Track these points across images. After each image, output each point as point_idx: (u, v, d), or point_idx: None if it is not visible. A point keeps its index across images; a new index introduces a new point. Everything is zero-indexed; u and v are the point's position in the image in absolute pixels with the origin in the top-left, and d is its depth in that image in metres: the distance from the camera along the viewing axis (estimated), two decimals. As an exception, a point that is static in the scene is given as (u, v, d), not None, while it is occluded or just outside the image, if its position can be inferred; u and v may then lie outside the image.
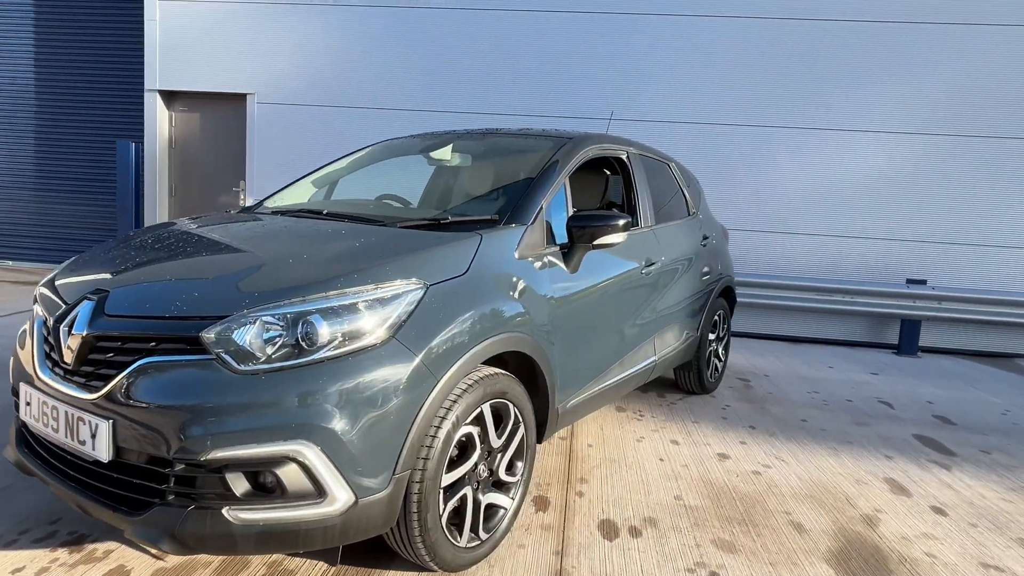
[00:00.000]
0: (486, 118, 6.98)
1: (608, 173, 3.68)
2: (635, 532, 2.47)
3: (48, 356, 1.94)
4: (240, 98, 7.31)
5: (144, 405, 1.67)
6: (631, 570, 2.21)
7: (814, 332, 6.76)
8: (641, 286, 3.19)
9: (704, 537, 2.46)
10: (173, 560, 2.12)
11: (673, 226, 3.73)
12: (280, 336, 1.72)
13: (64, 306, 1.95)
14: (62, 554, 2.10)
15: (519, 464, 2.31)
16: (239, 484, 1.66)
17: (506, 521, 2.28)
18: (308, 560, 2.16)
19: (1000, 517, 2.81)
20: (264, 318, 1.73)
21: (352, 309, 1.79)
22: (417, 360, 1.84)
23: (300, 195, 3.27)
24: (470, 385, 2.02)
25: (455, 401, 1.95)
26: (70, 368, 1.83)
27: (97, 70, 8.22)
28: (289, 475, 1.66)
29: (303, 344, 1.73)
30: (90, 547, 2.15)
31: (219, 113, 7.52)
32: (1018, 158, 6.44)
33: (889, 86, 6.53)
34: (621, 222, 2.56)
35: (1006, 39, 6.33)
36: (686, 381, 4.33)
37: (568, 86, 6.88)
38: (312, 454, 1.66)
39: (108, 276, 2.04)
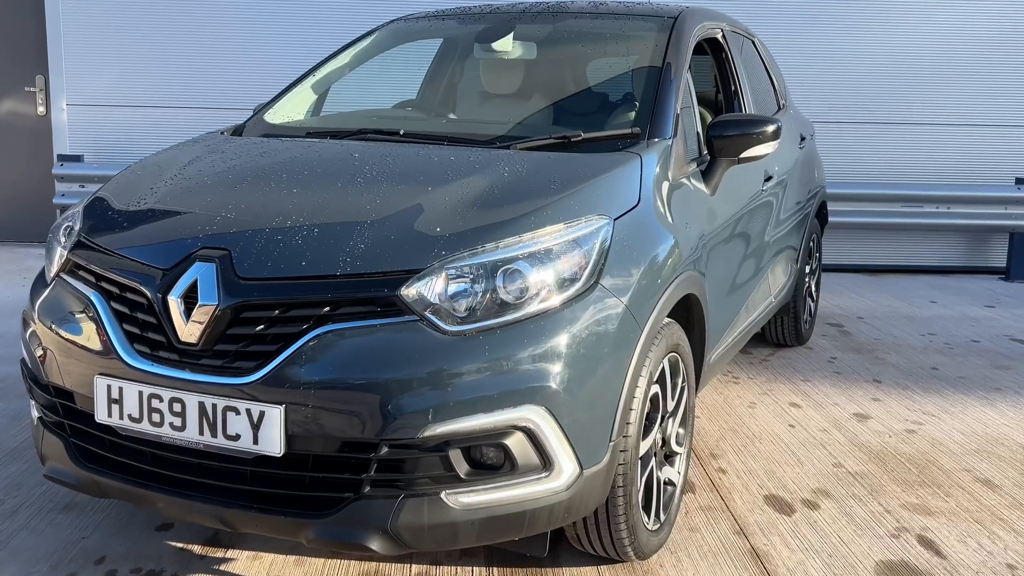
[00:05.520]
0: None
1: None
2: (811, 504, 2.71)
3: (137, 337, 2.15)
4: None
5: (334, 382, 1.82)
6: (830, 541, 2.48)
7: (894, 258, 6.84)
8: (761, 207, 3.30)
9: (890, 503, 2.72)
10: None
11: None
12: (481, 288, 1.89)
13: (158, 271, 2.08)
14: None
15: (681, 432, 2.55)
16: (460, 462, 1.87)
17: (676, 500, 2.43)
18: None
19: None
20: (462, 268, 1.90)
21: (549, 253, 1.93)
22: (623, 307, 2.01)
23: (301, 105, 3.64)
24: (657, 335, 2.21)
25: (648, 354, 2.14)
26: (196, 348, 1.96)
27: None
28: (516, 446, 1.86)
29: (505, 296, 1.91)
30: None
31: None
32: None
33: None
34: (771, 128, 2.70)
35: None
36: (776, 330, 4.50)
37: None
38: (541, 420, 1.83)
39: (201, 225, 2.10)
